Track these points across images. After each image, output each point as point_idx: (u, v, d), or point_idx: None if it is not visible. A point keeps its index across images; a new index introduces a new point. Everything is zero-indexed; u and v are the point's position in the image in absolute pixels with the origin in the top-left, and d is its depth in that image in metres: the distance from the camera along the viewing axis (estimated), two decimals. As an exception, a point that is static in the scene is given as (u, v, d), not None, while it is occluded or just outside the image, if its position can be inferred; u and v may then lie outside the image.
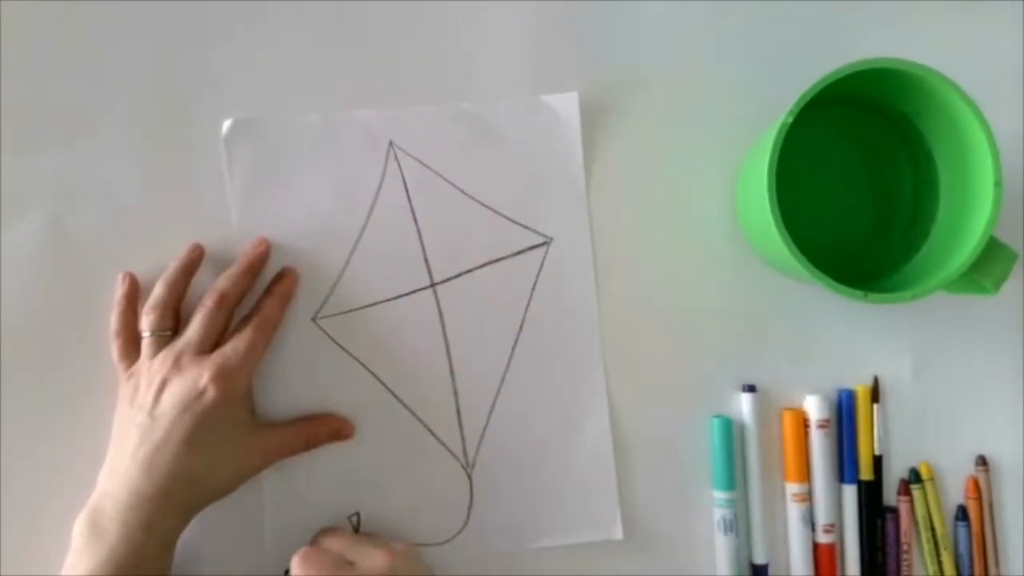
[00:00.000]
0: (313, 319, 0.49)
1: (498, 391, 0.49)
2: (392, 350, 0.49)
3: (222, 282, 0.46)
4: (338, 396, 0.48)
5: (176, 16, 0.49)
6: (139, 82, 0.49)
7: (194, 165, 0.49)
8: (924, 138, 0.47)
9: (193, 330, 0.44)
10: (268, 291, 0.47)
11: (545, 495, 0.49)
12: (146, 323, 0.45)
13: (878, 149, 0.50)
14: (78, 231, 0.48)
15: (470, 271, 0.49)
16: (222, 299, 0.45)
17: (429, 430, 0.49)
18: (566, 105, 0.50)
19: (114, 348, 0.46)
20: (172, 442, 0.42)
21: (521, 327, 0.49)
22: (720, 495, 0.49)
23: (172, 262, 0.47)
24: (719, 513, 0.49)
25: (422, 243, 0.49)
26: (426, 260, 0.49)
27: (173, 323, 0.46)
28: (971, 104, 0.42)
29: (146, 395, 0.43)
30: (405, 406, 0.49)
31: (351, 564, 0.41)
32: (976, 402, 0.51)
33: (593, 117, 0.50)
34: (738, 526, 0.49)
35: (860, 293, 0.43)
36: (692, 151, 0.51)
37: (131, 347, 0.46)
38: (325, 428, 0.47)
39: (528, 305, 0.50)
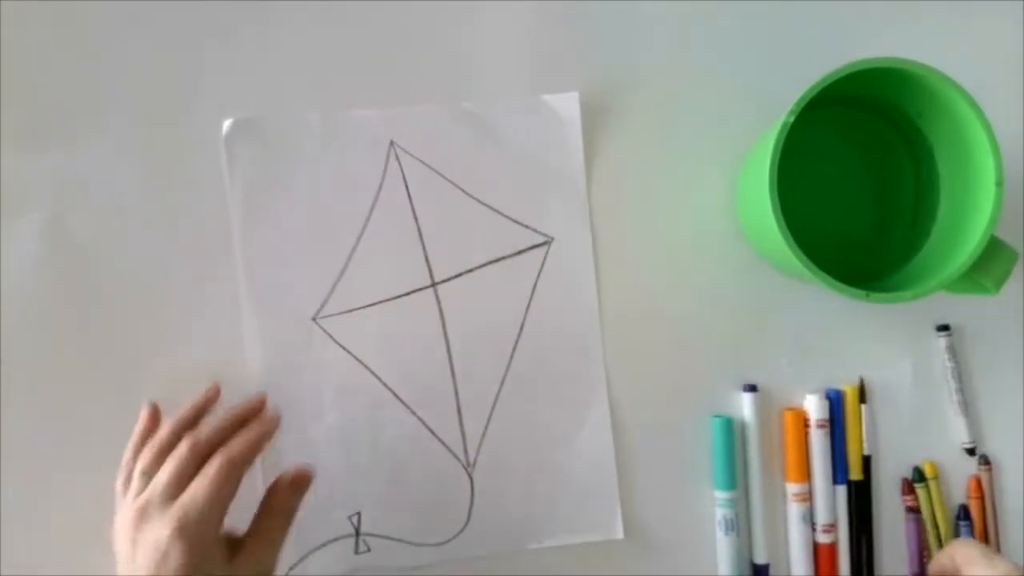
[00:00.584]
0: (313, 319, 0.49)
1: (499, 391, 0.49)
2: (392, 350, 0.49)
3: (202, 430, 0.43)
4: (338, 396, 0.48)
5: (176, 16, 0.49)
6: (139, 82, 0.49)
7: (194, 165, 0.49)
8: (925, 138, 0.47)
9: (162, 477, 0.41)
10: (242, 426, 0.44)
11: (545, 495, 0.49)
12: (141, 461, 0.43)
13: (879, 149, 0.50)
14: (78, 231, 0.48)
15: (471, 271, 0.49)
16: (196, 447, 0.42)
17: (429, 430, 0.49)
18: (566, 105, 0.50)
19: (119, 477, 0.44)
20: None
21: (522, 327, 0.49)
22: (721, 495, 0.49)
23: (188, 402, 0.46)
24: (720, 513, 0.49)
25: (423, 243, 0.49)
26: (427, 260, 0.49)
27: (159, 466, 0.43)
28: (972, 103, 0.42)
29: (125, 544, 0.41)
30: (405, 406, 0.49)
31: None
32: (979, 401, 0.51)
33: (593, 117, 0.50)
34: (739, 526, 0.49)
35: (862, 292, 0.43)
36: (692, 151, 0.51)
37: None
38: (289, 491, 0.44)
39: (529, 305, 0.50)
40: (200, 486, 0.41)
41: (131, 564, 0.40)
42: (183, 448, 0.42)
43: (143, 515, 0.40)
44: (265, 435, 0.44)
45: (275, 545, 0.43)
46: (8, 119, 0.48)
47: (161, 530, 0.39)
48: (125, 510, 0.42)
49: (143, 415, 0.46)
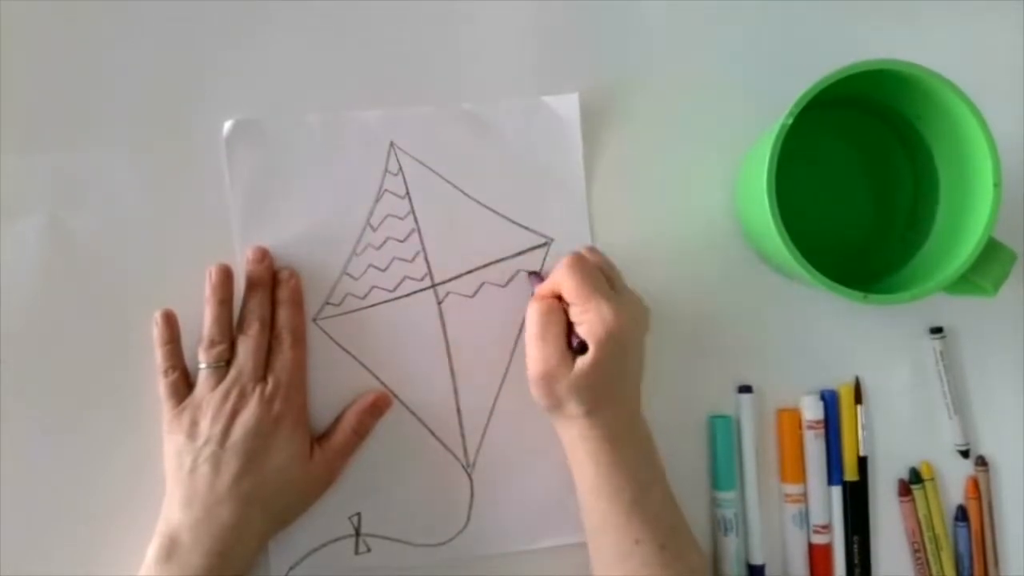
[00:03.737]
0: (313, 319, 0.49)
1: (498, 391, 0.49)
2: (392, 350, 0.49)
3: (256, 308, 0.46)
4: (338, 396, 0.48)
5: (176, 16, 0.49)
6: (139, 82, 0.49)
7: (194, 165, 0.49)
8: (923, 139, 0.48)
9: (246, 359, 0.45)
10: (277, 301, 0.47)
11: (545, 495, 0.49)
12: (207, 357, 0.45)
13: (878, 150, 0.50)
14: (78, 231, 0.48)
15: (471, 271, 0.49)
16: (263, 325, 0.46)
17: (429, 430, 0.49)
18: (566, 106, 0.50)
19: (163, 385, 0.46)
20: (251, 471, 0.43)
21: (522, 327, 0.49)
22: (721, 495, 0.49)
23: (209, 291, 0.46)
24: (719, 513, 0.49)
25: (422, 243, 0.49)
26: (427, 260, 0.49)
27: (231, 355, 0.46)
28: (970, 105, 0.42)
29: (213, 427, 0.44)
30: (405, 406, 0.49)
31: (611, 279, 0.44)
32: (976, 402, 0.51)
33: (593, 118, 0.50)
34: (736, 526, 0.49)
35: (860, 294, 0.43)
36: (692, 152, 0.51)
37: (182, 384, 0.46)
38: (367, 413, 0.48)
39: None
40: (285, 359, 0.46)
41: (222, 442, 0.43)
42: (254, 331, 0.46)
43: (242, 395, 0.44)
44: (296, 298, 0.47)
45: (346, 458, 0.47)
46: (8, 119, 0.48)
47: (270, 401, 0.44)
48: (214, 397, 0.44)
49: (163, 323, 0.46)
